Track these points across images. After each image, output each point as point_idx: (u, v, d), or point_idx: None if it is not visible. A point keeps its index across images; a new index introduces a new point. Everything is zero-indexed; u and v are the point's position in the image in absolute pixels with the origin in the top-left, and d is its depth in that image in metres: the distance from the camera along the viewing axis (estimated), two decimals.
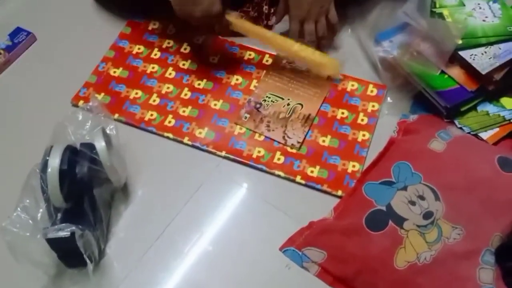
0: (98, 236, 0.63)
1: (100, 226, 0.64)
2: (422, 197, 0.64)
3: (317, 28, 0.79)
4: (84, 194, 0.61)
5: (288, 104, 0.78)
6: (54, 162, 0.59)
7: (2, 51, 0.81)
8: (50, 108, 0.76)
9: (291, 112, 0.78)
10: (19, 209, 0.59)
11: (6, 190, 0.64)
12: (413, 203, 0.64)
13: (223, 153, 0.74)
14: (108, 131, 0.66)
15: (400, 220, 0.63)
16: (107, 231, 0.67)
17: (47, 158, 0.60)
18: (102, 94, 0.79)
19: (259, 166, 0.73)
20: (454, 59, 0.74)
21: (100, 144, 0.62)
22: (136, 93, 0.79)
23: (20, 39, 0.83)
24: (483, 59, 0.73)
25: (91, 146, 0.63)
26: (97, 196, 0.63)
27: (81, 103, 0.77)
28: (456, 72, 0.74)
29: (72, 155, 0.61)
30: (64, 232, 0.57)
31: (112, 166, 0.63)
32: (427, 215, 0.63)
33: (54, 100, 0.78)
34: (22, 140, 0.75)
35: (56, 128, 0.64)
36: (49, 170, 0.59)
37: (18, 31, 0.84)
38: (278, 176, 0.72)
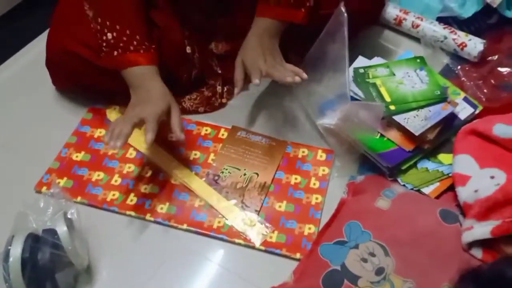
0: None
1: None
2: (373, 254, 0.68)
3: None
4: (46, 280, 0.63)
5: (245, 174, 0.83)
6: (16, 251, 0.61)
7: None
8: (14, 196, 0.78)
9: (247, 181, 0.82)
10: None
11: None
12: (365, 260, 0.68)
13: (185, 226, 0.77)
14: (69, 215, 0.69)
15: (354, 278, 0.66)
16: None
17: (9, 247, 0.61)
18: (65, 178, 0.81)
19: (220, 236, 0.76)
20: (391, 123, 0.82)
21: (61, 229, 0.65)
22: (98, 175, 0.82)
23: None
24: (416, 122, 0.80)
25: (53, 232, 0.65)
26: (60, 281, 0.64)
27: (44, 189, 0.80)
28: (393, 135, 0.82)
29: (34, 242, 0.63)
30: None
31: (74, 250, 0.65)
32: (379, 271, 0.67)
33: (18, 188, 0.81)
34: None
35: (18, 216, 0.67)
36: (10, 259, 0.60)
37: None
38: (239, 244, 0.75)
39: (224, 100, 0.94)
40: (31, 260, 0.61)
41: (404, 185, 0.79)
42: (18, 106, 0.93)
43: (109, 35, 0.78)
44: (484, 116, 0.82)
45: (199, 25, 0.91)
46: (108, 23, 0.78)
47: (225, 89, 0.94)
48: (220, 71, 0.94)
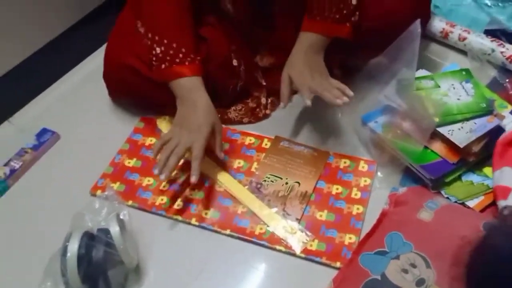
0: None
1: None
2: (414, 265, 0.68)
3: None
4: (99, 276, 0.67)
5: (287, 183, 0.85)
6: (73, 248, 0.66)
7: (29, 150, 0.91)
8: (71, 199, 0.84)
9: (289, 190, 0.84)
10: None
11: (30, 273, 0.71)
12: (405, 271, 0.68)
13: (228, 232, 0.80)
14: (122, 217, 0.74)
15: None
16: None
17: (67, 243, 0.66)
18: (118, 183, 0.87)
19: (262, 242, 0.78)
20: (435, 134, 0.82)
21: (114, 229, 0.69)
22: (148, 181, 0.87)
23: (45, 138, 0.93)
24: (461, 134, 0.80)
25: (106, 231, 0.69)
26: (111, 278, 0.69)
27: (98, 192, 0.85)
28: (437, 147, 0.81)
29: (89, 240, 0.68)
30: None
31: (125, 249, 0.69)
32: (420, 282, 0.66)
33: (75, 191, 0.86)
34: (46, 227, 0.82)
35: (75, 216, 0.72)
36: (68, 254, 0.65)
37: (44, 131, 0.94)
38: (280, 251, 0.77)
39: (268, 111, 0.97)
40: (86, 256, 0.66)
41: (448, 198, 0.79)
42: (77, 116, 1.00)
43: (158, 50, 0.83)
44: None
45: (245, 38, 0.95)
46: (157, 38, 0.83)
47: (269, 100, 0.97)
48: (264, 83, 0.97)
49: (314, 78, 0.83)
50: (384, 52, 0.87)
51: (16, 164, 0.89)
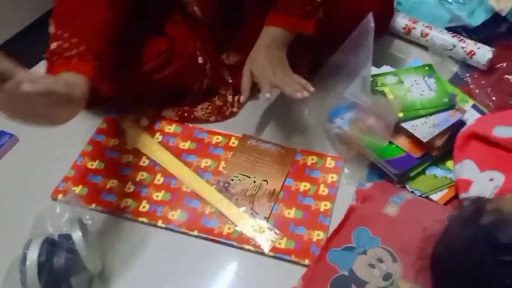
0: None
1: None
2: (381, 260, 0.69)
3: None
4: (62, 284, 0.65)
5: (254, 182, 0.84)
6: (33, 255, 0.63)
7: None
8: (31, 203, 0.81)
9: (257, 189, 0.84)
10: None
11: None
12: (372, 266, 0.68)
13: (196, 233, 0.78)
14: (84, 221, 0.71)
15: (362, 284, 0.67)
16: None
17: (26, 251, 0.64)
18: (80, 186, 0.84)
19: (230, 242, 0.77)
20: (399, 130, 0.83)
21: (76, 235, 0.67)
22: (112, 183, 0.85)
23: (3, 141, 0.89)
24: (424, 129, 0.81)
25: (68, 237, 0.67)
26: (75, 285, 0.66)
27: (60, 196, 0.82)
28: (402, 142, 0.82)
29: (50, 246, 0.65)
30: None
31: (89, 255, 0.67)
32: (387, 276, 0.67)
33: (35, 195, 0.83)
34: (4, 233, 0.79)
35: (35, 221, 0.69)
36: (27, 263, 0.63)
37: (1, 134, 0.91)
38: (248, 250, 0.76)
39: (235, 109, 0.96)
40: (47, 264, 0.63)
41: (412, 192, 0.80)
42: None
43: (55, 44, 0.71)
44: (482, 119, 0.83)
45: (211, 36, 0.94)
46: (60, 32, 0.72)
47: (236, 98, 0.96)
48: (231, 81, 0.96)
49: (276, 72, 0.82)
50: (341, 48, 0.87)
51: None
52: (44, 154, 0.90)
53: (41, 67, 1.00)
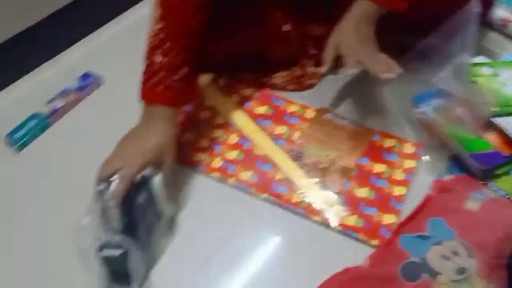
0: (146, 261, 0.67)
1: (149, 251, 0.69)
2: (456, 253, 0.66)
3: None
4: (139, 221, 0.67)
5: (328, 156, 0.83)
6: (116, 189, 0.65)
7: (72, 91, 0.91)
8: (111, 144, 0.84)
9: (330, 163, 0.82)
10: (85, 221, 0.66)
11: (73, 209, 0.71)
12: (447, 258, 0.66)
13: (265, 195, 0.78)
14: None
15: (433, 273, 0.65)
16: (154, 258, 0.71)
17: (109, 181, 0.66)
18: None
19: (298, 210, 0.77)
20: (490, 124, 0.78)
21: (156, 177, 0.68)
22: (188, 136, 0.86)
23: (89, 81, 0.92)
24: None
25: (148, 178, 0.69)
26: (149, 224, 0.68)
27: None
28: (491, 137, 0.78)
29: (132, 185, 0.67)
30: (116, 251, 0.63)
31: (165, 198, 0.69)
32: (461, 270, 0.65)
33: (115, 136, 0.85)
34: (84, 171, 0.81)
35: None
36: (110, 195, 0.65)
37: (88, 74, 0.94)
38: (315, 221, 0.76)
39: (314, 81, 0.94)
40: (128, 200, 0.66)
41: (495, 190, 0.76)
42: (122, 62, 0.98)
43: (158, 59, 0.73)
44: None
45: (299, 5, 0.92)
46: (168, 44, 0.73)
47: (316, 70, 0.94)
48: (313, 52, 0.94)
49: (363, 48, 0.79)
50: (437, 32, 0.83)
51: (58, 104, 0.88)
52: (126, 99, 0.91)
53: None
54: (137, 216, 0.67)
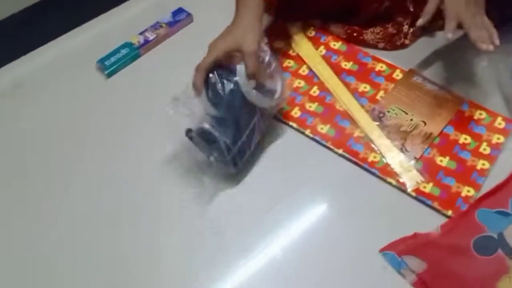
0: (236, 151, 0.72)
1: (240, 138, 0.72)
2: None
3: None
4: (230, 109, 0.71)
5: (411, 120, 0.81)
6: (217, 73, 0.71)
7: (164, 25, 0.93)
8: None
9: (413, 127, 0.80)
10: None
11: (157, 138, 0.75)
12: None
13: (340, 151, 0.78)
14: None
15: (510, 250, 0.63)
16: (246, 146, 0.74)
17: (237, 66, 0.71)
18: None
19: (373, 170, 0.76)
20: None
21: (241, 67, 0.71)
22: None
23: (180, 17, 0.94)
24: None
25: (236, 69, 0.72)
26: (240, 113, 0.72)
27: None
28: None
29: (220, 75, 0.71)
30: (207, 128, 0.69)
31: (250, 86, 0.71)
32: None
33: None
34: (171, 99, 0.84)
35: None
36: (213, 79, 0.71)
37: (179, 10, 0.95)
38: (390, 183, 0.75)
39: (407, 41, 0.90)
40: (215, 90, 0.71)
41: None
42: (214, 3, 0.98)
43: None
44: None
45: None
46: None
47: (411, 30, 0.90)
48: (412, 9, 0.89)
49: (468, 7, 0.73)
50: None
51: (150, 36, 0.91)
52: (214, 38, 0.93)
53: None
54: (228, 104, 0.70)
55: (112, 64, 0.88)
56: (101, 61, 0.89)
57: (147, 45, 0.90)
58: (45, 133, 0.84)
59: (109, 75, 0.88)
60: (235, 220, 0.73)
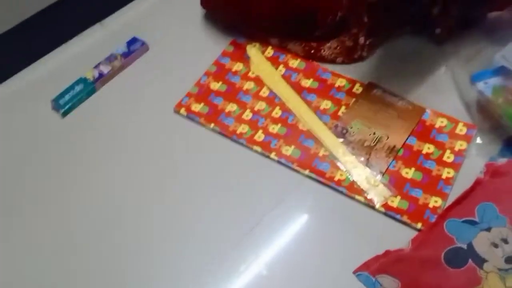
0: None
1: None
2: (505, 241, 0.64)
3: None
4: None
5: (374, 133, 0.81)
6: None
7: (119, 56, 0.91)
8: (154, 112, 0.85)
9: (376, 141, 0.80)
10: None
11: (118, 174, 0.72)
12: (495, 245, 0.64)
13: (307, 172, 0.77)
14: None
15: (480, 261, 0.63)
16: None
17: None
18: (202, 104, 0.85)
19: (340, 188, 0.75)
20: None
21: None
22: (232, 107, 0.85)
23: (135, 47, 0.92)
24: None
25: None
26: None
27: (182, 110, 0.84)
28: None
29: None
30: None
31: None
32: (510, 259, 0.62)
33: (158, 105, 0.86)
34: (132, 133, 0.83)
35: None
36: None
37: (134, 40, 0.93)
38: (358, 201, 0.74)
39: (364, 54, 0.90)
40: None
41: None
42: (169, 29, 0.97)
43: None
44: None
45: None
46: None
47: (368, 42, 0.90)
48: (366, 20, 0.89)
49: None
50: (509, 8, 0.78)
51: (105, 69, 0.89)
52: (170, 67, 0.92)
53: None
54: None
55: (67, 102, 0.86)
56: (56, 100, 0.86)
57: (102, 78, 0.88)
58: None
59: (65, 114, 0.86)
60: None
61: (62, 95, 0.86)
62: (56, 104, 0.86)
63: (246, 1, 0.86)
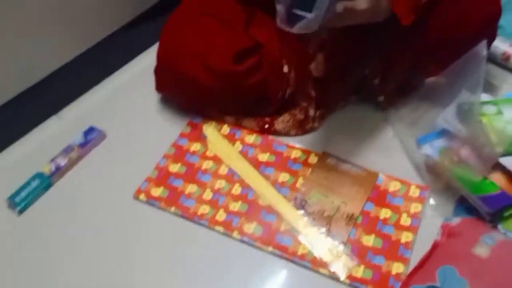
0: None
1: None
2: None
3: None
4: None
5: (333, 203, 0.82)
6: None
7: (76, 148, 0.91)
8: (114, 200, 0.84)
9: (335, 210, 0.81)
10: None
11: (77, 270, 0.69)
12: None
13: (270, 249, 0.77)
14: None
15: None
16: None
17: None
18: (162, 188, 0.86)
19: (304, 263, 0.75)
20: (495, 165, 0.77)
21: None
22: (191, 188, 0.86)
23: (92, 136, 0.93)
24: None
25: None
26: None
27: (142, 196, 0.85)
28: (497, 178, 0.77)
29: None
30: None
31: None
32: None
33: (117, 192, 0.86)
34: (86, 224, 0.82)
35: None
36: None
37: (91, 129, 0.94)
38: (323, 274, 0.74)
39: (316, 124, 0.94)
40: None
41: (504, 233, 0.74)
42: (125, 116, 0.99)
43: None
44: None
45: (300, 45, 0.92)
46: None
47: (318, 113, 0.94)
48: (314, 94, 0.94)
49: None
50: (444, 72, 0.84)
51: (61, 162, 0.89)
52: (129, 153, 0.92)
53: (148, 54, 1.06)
54: None
55: (23, 199, 0.84)
56: (12, 197, 0.85)
57: (59, 172, 0.88)
58: None
59: (21, 212, 0.84)
60: None
61: (18, 192, 0.85)
62: (12, 202, 0.84)
63: (198, 85, 0.89)
